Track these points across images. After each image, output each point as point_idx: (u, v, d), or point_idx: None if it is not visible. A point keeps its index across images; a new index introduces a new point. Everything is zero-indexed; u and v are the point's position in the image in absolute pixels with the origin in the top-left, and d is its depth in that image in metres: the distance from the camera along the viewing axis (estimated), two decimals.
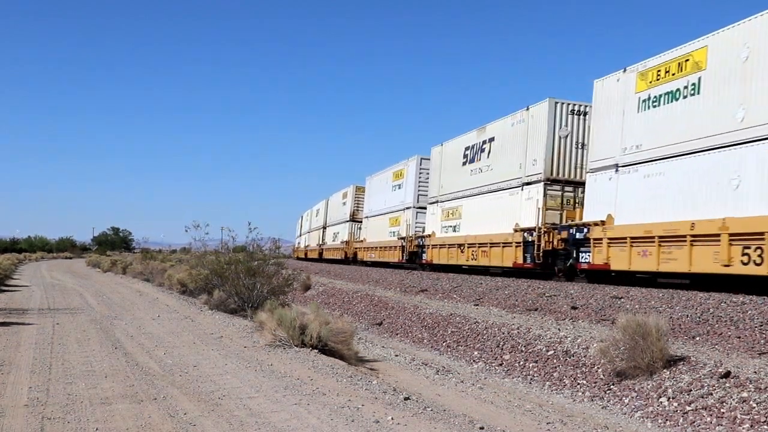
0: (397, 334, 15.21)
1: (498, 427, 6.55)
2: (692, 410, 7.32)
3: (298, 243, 70.61)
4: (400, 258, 32.46)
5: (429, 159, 31.24)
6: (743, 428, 6.64)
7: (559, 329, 11.51)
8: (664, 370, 8.26)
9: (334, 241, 49.50)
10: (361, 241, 41.37)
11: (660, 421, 7.48)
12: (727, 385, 7.40)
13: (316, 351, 9.21)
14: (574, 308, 13.38)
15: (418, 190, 32.74)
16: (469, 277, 22.70)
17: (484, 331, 12.68)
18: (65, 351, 8.75)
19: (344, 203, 47.59)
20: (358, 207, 44.59)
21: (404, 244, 31.98)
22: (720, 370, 7.77)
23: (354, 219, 44.74)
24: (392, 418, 5.82)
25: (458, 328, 13.55)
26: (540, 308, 14.11)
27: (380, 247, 36.69)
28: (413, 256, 30.82)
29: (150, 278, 27.53)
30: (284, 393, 6.58)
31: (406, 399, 6.85)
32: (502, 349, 11.61)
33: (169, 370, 7.64)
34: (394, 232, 34.89)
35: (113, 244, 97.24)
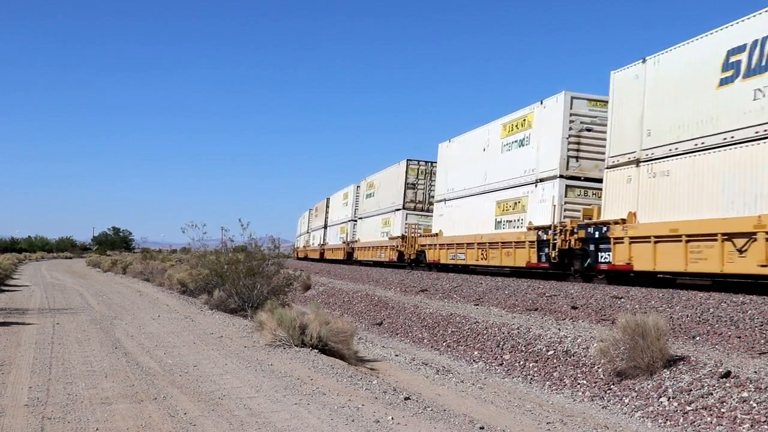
0: (397, 334, 15.22)
1: (498, 426, 6.55)
2: (692, 410, 7.32)
3: (305, 242, 67.16)
4: (537, 261, 20.26)
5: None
6: (743, 428, 6.64)
7: (559, 329, 11.51)
8: (664, 370, 8.26)
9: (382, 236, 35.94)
10: (435, 235, 28.45)
11: (660, 420, 7.48)
12: (728, 384, 7.40)
13: (316, 351, 9.21)
14: (574, 308, 13.39)
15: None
16: (470, 277, 22.68)
17: (484, 331, 12.68)
18: (65, 351, 8.75)
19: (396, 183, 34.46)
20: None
21: (546, 236, 19.39)
22: (720, 369, 7.77)
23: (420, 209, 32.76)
24: (392, 418, 5.82)
25: (458, 328, 13.56)
26: (540, 308, 14.11)
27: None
28: (564, 256, 18.94)
29: (150, 278, 27.54)
30: (284, 393, 6.58)
31: (406, 399, 6.85)
32: (502, 348, 11.62)
33: (169, 369, 7.64)
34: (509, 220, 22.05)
35: (113, 243, 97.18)
